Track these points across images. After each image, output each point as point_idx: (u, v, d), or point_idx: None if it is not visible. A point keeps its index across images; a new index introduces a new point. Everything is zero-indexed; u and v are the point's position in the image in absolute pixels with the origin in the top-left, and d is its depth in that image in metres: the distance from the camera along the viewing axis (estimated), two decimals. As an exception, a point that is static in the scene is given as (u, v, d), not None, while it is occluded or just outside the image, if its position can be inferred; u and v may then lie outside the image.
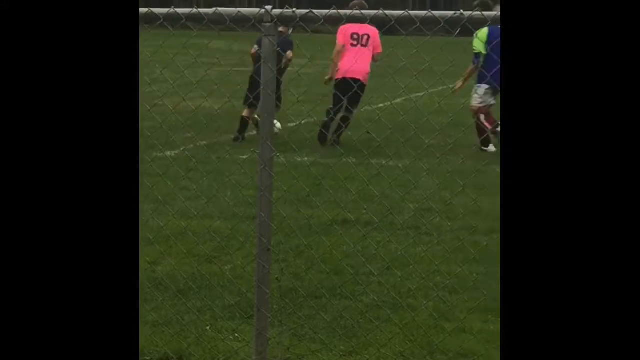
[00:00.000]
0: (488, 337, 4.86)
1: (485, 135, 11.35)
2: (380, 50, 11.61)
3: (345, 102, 10.93)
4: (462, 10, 3.75)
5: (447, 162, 8.99)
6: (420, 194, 7.97)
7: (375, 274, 5.68)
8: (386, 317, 5.04)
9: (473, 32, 3.91)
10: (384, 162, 9.39)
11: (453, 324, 5.02)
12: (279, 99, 10.49)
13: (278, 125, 11.25)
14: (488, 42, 10.96)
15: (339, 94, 10.48)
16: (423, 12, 3.74)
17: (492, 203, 7.37)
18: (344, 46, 11.54)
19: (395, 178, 8.26)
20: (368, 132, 9.41)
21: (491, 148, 11.22)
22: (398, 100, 14.51)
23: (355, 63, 10.75)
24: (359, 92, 10.89)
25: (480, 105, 11.41)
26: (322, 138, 11.30)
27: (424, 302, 5.25)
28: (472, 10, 3.88)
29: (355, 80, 10.68)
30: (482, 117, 11.45)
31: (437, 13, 3.72)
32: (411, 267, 5.97)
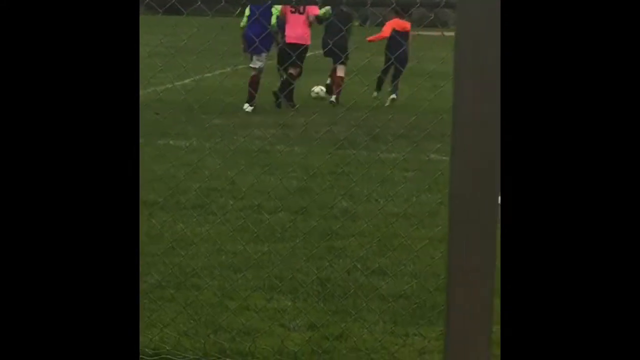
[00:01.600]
0: (271, 315, 4.95)
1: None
2: (316, 12, 13.35)
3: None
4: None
5: (231, 142, 9.03)
6: (205, 174, 7.98)
7: (159, 253, 5.64)
8: (170, 296, 5.02)
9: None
10: (171, 142, 9.33)
11: (236, 302, 5.07)
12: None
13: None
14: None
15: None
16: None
17: (277, 182, 7.55)
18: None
19: (179, 158, 8.22)
20: (157, 113, 9.42)
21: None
22: (186, 81, 14.43)
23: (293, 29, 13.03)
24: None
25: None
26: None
27: (208, 281, 5.28)
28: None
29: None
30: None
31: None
32: (196, 246, 5.97)
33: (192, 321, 4.77)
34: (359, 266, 5.69)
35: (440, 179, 6.94)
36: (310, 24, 13.50)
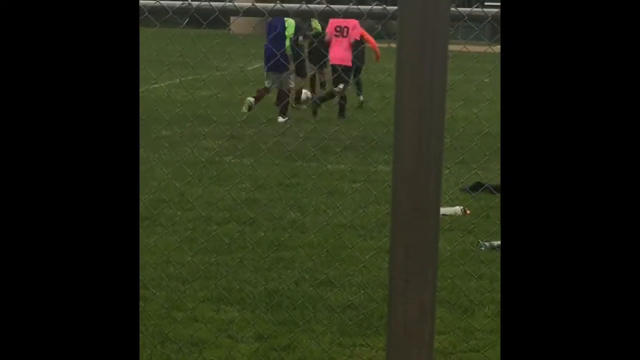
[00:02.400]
0: (219, 326, 4.95)
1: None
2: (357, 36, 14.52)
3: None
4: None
5: (180, 153, 9.01)
6: (153, 185, 7.95)
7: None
8: (117, 308, 5.00)
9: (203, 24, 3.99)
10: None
11: (184, 313, 5.06)
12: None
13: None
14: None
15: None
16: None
17: (225, 193, 7.55)
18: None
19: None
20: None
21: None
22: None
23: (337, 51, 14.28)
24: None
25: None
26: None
27: (156, 292, 5.26)
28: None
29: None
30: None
31: (165, 3, 3.74)
32: (143, 257, 5.95)
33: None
34: (307, 277, 5.71)
35: (387, 190, 6.97)
36: (351, 47, 14.52)
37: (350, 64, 14.37)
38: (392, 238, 1.88)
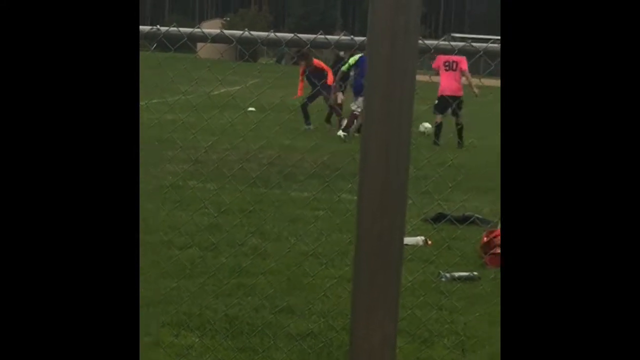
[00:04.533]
0: (178, 351, 4.92)
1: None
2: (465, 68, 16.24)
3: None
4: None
5: (143, 177, 8.97)
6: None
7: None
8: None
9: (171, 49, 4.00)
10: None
11: (144, 337, 5.02)
12: None
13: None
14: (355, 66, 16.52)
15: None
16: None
17: (188, 217, 7.52)
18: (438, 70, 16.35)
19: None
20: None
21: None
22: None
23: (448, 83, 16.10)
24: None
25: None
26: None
27: (115, 316, 5.22)
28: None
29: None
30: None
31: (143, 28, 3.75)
32: (103, 280, 5.91)
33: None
34: (267, 304, 5.71)
35: (350, 219, 7.00)
36: (460, 78, 16.37)
37: (461, 93, 16.25)
38: (355, 267, 1.90)
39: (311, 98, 17.77)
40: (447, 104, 15.86)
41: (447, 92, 16.08)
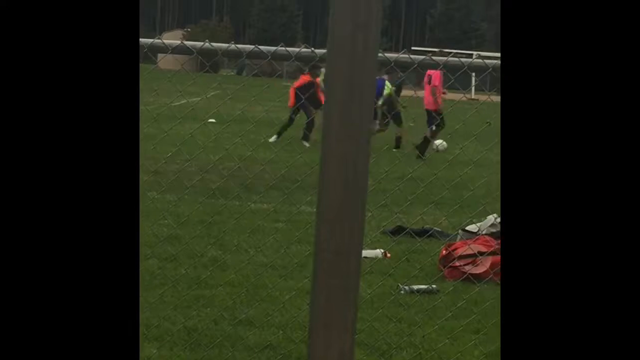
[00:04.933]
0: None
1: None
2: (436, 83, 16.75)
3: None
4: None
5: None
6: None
7: None
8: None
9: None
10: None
11: None
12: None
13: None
14: None
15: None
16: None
17: (147, 228, 7.48)
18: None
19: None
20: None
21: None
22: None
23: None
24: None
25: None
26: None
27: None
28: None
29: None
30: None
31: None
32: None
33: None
34: (226, 316, 5.69)
35: (310, 230, 7.03)
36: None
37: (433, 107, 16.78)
38: (314, 281, 1.90)
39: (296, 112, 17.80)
40: (428, 116, 16.78)
41: (425, 106, 16.91)
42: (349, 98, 1.79)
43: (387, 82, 17.91)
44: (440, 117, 16.23)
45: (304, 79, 17.86)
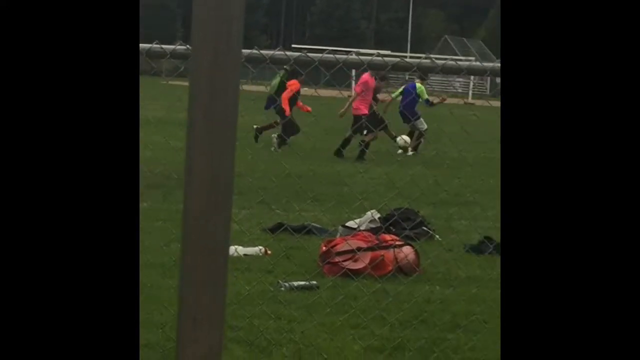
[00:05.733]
0: None
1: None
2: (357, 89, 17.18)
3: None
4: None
5: None
6: None
7: None
8: None
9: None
10: None
11: None
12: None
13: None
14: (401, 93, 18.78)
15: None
16: None
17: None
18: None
19: None
20: None
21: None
22: None
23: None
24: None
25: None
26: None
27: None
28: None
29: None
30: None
31: None
32: None
33: None
34: (103, 317, 5.60)
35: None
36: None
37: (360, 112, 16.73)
38: (181, 277, 1.90)
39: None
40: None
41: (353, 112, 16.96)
42: (213, 94, 1.79)
43: (417, 85, 18.25)
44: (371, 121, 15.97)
45: (296, 84, 17.04)
